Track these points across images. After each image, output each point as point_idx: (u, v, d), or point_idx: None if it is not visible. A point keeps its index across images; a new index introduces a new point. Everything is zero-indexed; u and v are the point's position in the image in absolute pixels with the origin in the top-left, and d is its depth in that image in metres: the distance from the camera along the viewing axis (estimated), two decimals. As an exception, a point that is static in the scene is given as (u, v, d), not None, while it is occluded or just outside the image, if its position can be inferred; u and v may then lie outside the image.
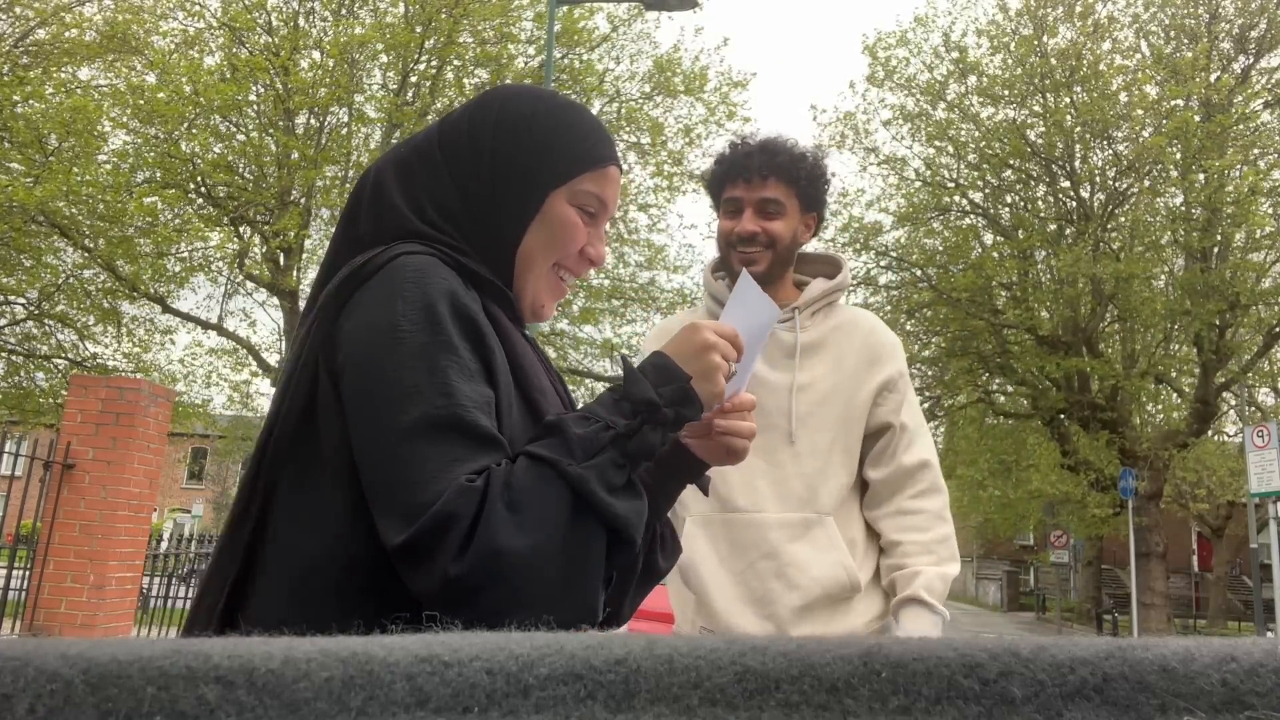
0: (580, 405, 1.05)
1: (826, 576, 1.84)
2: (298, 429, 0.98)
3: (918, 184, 18.03)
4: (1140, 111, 16.15)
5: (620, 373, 1.05)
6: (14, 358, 15.02)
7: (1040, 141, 16.90)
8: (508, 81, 14.37)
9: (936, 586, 1.83)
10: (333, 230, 1.38)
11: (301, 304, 9.72)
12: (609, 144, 1.14)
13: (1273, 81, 16.69)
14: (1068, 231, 17.16)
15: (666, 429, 0.96)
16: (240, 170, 13.87)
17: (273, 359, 15.35)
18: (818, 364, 1.94)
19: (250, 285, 14.98)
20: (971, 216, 18.35)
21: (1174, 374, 17.94)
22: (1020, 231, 17.23)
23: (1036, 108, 16.95)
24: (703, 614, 1.92)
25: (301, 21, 14.14)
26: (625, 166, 15.23)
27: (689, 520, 1.95)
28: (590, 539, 0.88)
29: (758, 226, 1.92)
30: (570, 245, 1.11)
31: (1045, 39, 16.84)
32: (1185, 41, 16.63)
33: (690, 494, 1.94)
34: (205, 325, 15.08)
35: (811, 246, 2.13)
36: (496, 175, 1.08)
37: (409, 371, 0.91)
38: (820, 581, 1.84)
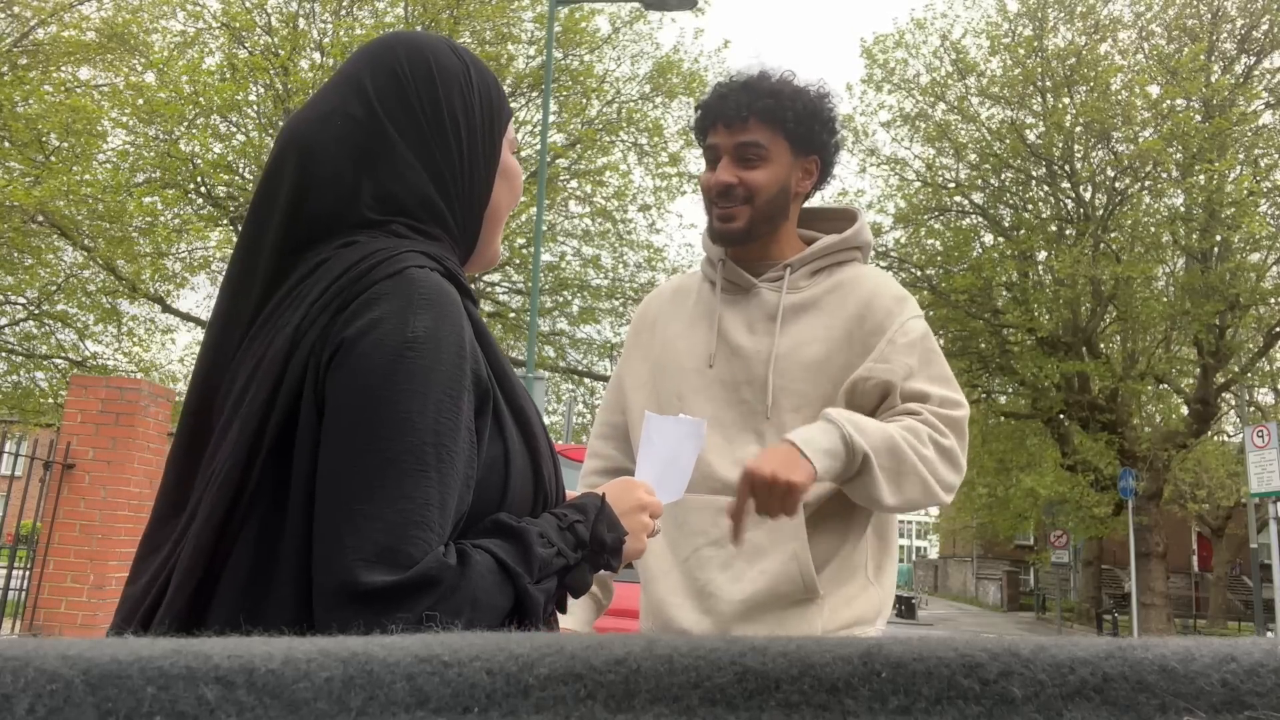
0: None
1: (776, 569, 1.58)
2: (276, 448, 0.90)
3: (917, 184, 18.04)
4: (1142, 113, 16.14)
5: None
6: (14, 358, 15.02)
7: (1040, 142, 16.90)
8: (511, 73, 14.34)
9: (870, 431, 1.48)
10: None
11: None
12: None
13: (1274, 83, 16.68)
14: (1068, 232, 17.16)
15: (597, 570, 1.06)
16: (240, 170, 13.87)
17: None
18: (804, 328, 1.64)
19: (250, 285, 14.97)
20: (971, 217, 18.36)
21: (1174, 374, 17.94)
22: (1020, 232, 17.23)
23: (1036, 107, 16.94)
24: (648, 606, 1.71)
25: (302, 22, 14.14)
26: (625, 167, 15.30)
27: None
28: None
29: (734, 177, 1.64)
30: (519, 192, 1.11)
31: (1045, 39, 16.84)
32: (1187, 42, 16.63)
33: None
34: (205, 325, 15.04)
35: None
36: (464, 138, 1.03)
37: (408, 398, 0.86)
38: (769, 574, 1.58)
